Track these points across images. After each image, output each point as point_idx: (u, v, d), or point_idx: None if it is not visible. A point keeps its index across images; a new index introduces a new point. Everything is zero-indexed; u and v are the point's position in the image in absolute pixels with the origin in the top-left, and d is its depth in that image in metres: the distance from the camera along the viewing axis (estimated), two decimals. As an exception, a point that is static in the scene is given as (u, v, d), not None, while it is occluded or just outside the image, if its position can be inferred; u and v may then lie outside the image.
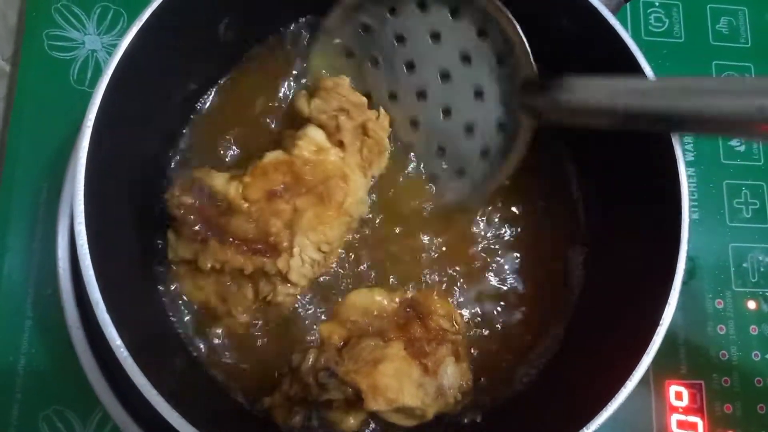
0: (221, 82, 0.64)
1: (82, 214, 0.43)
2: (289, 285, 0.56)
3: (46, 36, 0.70)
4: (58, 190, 0.59)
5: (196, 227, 0.55)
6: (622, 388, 0.45)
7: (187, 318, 0.59)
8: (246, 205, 0.54)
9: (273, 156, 0.56)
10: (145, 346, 0.47)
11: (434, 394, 0.54)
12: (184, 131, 0.62)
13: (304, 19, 0.64)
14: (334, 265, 0.60)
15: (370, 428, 0.58)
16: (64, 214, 0.59)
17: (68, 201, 0.58)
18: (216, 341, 0.58)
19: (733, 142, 0.75)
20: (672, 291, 0.47)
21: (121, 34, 0.66)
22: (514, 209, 0.63)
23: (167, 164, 0.62)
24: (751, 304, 0.71)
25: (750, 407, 0.68)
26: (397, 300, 0.58)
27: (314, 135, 0.57)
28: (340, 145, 0.58)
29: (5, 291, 0.64)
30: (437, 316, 0.57)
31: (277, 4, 0.62)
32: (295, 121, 0.60)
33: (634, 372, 0.45)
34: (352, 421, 0.54)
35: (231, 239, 0.54)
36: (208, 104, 0.63)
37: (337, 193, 0.56)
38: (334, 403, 0.52)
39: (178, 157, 0.62)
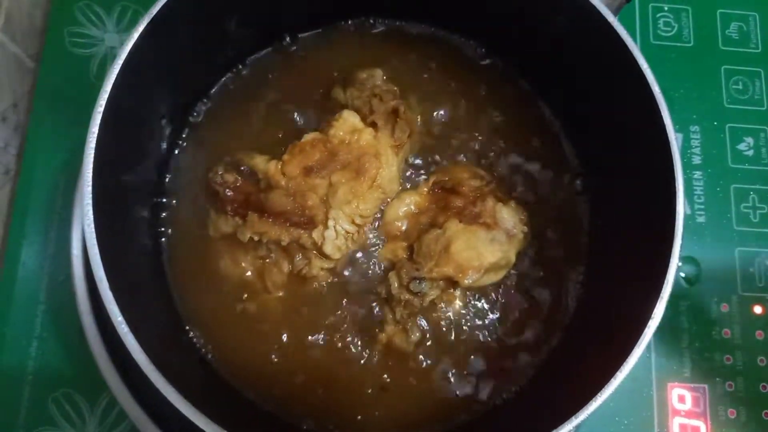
0: (227, 80, 0.66)
1: (90, 195, 0.45)
2: (323, 259, 0.59)
3: (67, 33, 0.73)
4: (75, 181, 0.62)
5: (236, 204, 0.59)
6: (612, 379, 0.45)
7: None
8: (284, 180, 0.58)
9: (311, 136, 0.60)
10: (147, 327, 0.48)
11: (506, 239, 0.59)
12: (192, 119, 0.64)
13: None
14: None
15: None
16: (79, 204, 0.60)
17: (82, 191, 0.60)
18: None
19: (741, 146, 0.75)
20: (665, 285, 0.47)
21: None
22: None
23: (176, 149, 0.64)
24: (758, 309, 0.70)
25: (754, 413, 0.67)
26: (425, 190, 0.62)
27: (349, 117, 0.61)
28: (374, 126, 0.61)
29: (21, 277, 0.66)
30: (465, 181, 0.61)
31: (280, 9, 0.64)
32: (330, 112, 0.63)
33: (624, 364, 0.45)
34: (458, 303, 0.61)
35: (269, 213, 0.58)
36: (214, 100, 0.65)
37: (371, 168, 0.59)
38: (435, 300, 0.59)
39: (183, 144, 0.64)
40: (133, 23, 0.72)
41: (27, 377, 0.64)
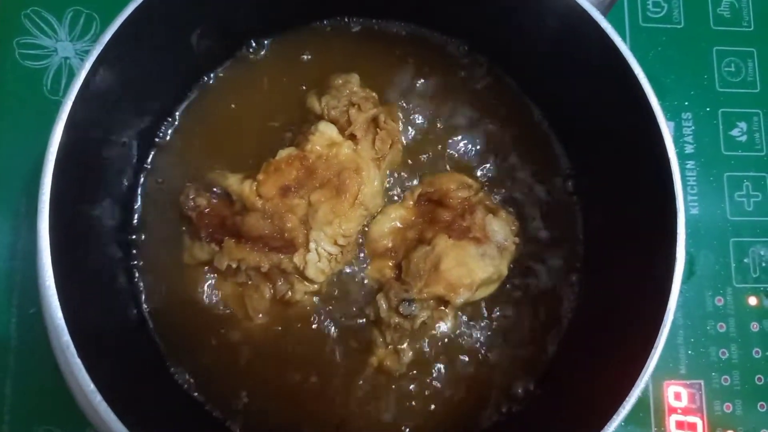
0: (193, 94, 0.62)
1: (48, 253, 0.42)
2: (306, 282, 0.56)
3: (17, 44, 0.67)
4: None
5: (211, 229, 0.55)
6: (633, 389, 0.45)
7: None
8: (260, 202, 0.55)
9: (286, 152, 0.56)
10: (125, 379, 0.46)
11: (497, 253, 0.57)
12: (158, 140, 0.61)
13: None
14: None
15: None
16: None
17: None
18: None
19: (734, 132, 0.72)
20: (671, 291, 0.46)
21: (94, 39, 0.64)
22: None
23: (142, 174, 0.60)
24: (752, 300, 0.69)
25: (750, 405, 0.67)
26: (410, 203, 0.59)
27: (326, 129, 0.57)
28: (353, 138, 0.58)
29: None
30: (452, 192, 0.58)
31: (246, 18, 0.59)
32: (305, 123, 0.60)
33: (642, 374, 0.45)
34: (449, 322, 0.58)
35: (246, 238, 0.54)
36: (181, 119, 0.61)
37: (352, 185, 0.56)
38: (426, 320, 0.56)
39: (150, 168, 0.60)
40: (87, 30, 0.68)
41: (3, 416, 0.61)
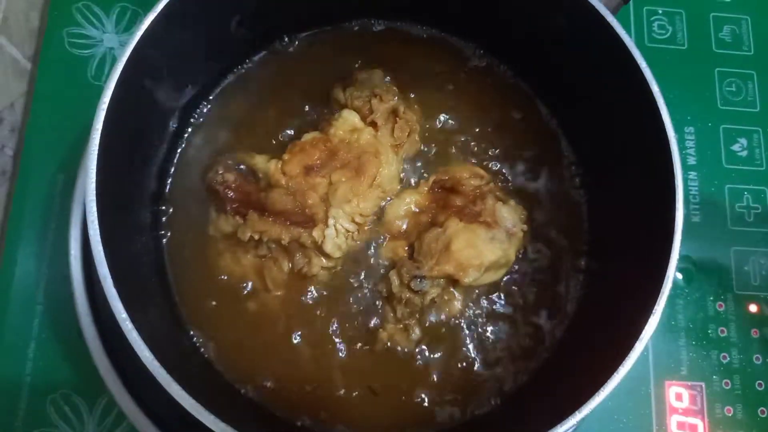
0: (228, 80, 0.66)
1: (94, 185, 0.45)
2: (323, 257, 0.59)
3: (66, 34, 0.73)
4: (73, 182, 0.62)
5: (236, 203, 0.59)
6: (614, 374, 0.45)
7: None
8: (284, 179, 0.58)
9: (310, 135, 0.60)
10: (149, 326, 0.48)
11: (505, 238, 0.59)
12: (193, 120, 0.65)
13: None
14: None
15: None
16: (78, 204, 0.60)
17: (82, 192, 0.60)
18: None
19: (735, 147, 0.76)
20: (660, 295, 0.47)
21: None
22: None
23: (178, 149, 0.64)
24: (753, 307, 0.71)
25: (751, 410, 0.68)
26: (425, 189, 0.62)
27: (349, 116, 0.61)
28: (373, 125, 0.62)
29: (18, 278, 0.66)
30: (465, 180, 0.62)
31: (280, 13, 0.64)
32: (330, 111, 0.64)
33: (625, 359, 0.46)
34: (457, 303, 0.61)
35: (269, 212, 0.58)
36: (215, 102, 0.66)
37: (371, 167, 0.59)
38: (435, 298, 0.59)
39: (184, 145, 0.64)
40: (132, 24, 0.73)
41: (25, 379, 0.63)
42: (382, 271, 0.61)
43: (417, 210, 0.62)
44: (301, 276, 0.60)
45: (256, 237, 0.58)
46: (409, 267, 0.58)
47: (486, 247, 0.58)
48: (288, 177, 0.59)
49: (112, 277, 0.44)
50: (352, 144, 0.60)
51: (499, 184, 0.64)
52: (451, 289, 0.61)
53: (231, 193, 0.59)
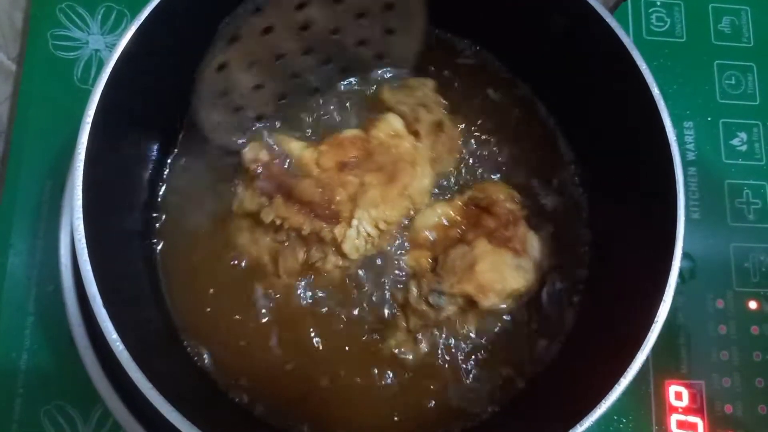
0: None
1: (80, 209, 0.44)
2: (338, 256, 0.58)
3: (50, 36, 0.71)
4: (61, 187, 0.60)
5: (264, 184, 0.58)
6: (616, 386, 0.45)
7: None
8: (317, 171, 0.57)
9: (351, 132, 0.59)
10: (141, 338, 0.48)
11: (532, 268, 0.58)
12: (182, 128, 0.63)
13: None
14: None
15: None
16: (67, 212, 0.59)
17: (71, 198, 0.58)
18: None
19: (735, 142, 0.75)
20: (667, 288, 0.47)
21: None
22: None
23: (167, 158, 0.63)
24: (753, 304, 0.70)
25: (751, 408, 0.68)
26: (459, 204, 0.60)
27: (393, 120, 0.60)
28: (416, 134, 0.60)
29: (8, 288, 0.64)
30: (501, 202, 0.59)
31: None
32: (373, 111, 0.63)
33: (627, 370, 0.45)
34: (472, 325, 0.59)
35: (295, 200, 0.57)
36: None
37: (404, 175, 0.58)
38: (451, 316, 0.57)
39: (176, 151, 0.63)
40: (119, 25, 0.71)
41: (17, 390, 0.62)
42: (395, 280, 0.60)
43: (447, 224, 0.60)
44: (313, 269, 0.59)
45: (278, 222, 0.57)
46: (430, 279, 0.57)
47: (511, 273, 0.57)
48: (321, 169, 0.58)
49: (101, 296, 0.43)
50: (391, 149, 0.59)
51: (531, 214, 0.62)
52: (468, 311, 0.59)
53: (261, 172, 0.58)
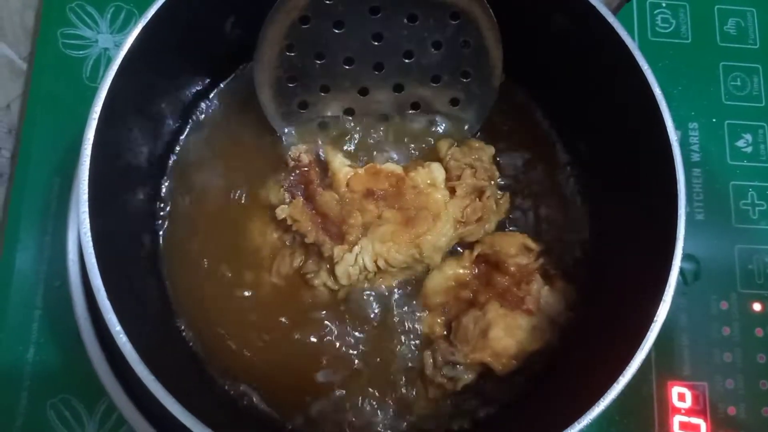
0: (224, 85, 0.65)
1: (86, 203, 0.45)
2: (330, 277, 0.58)
3: (60, 35, 0.72)
4: (70, 184, 0.61)
5: (294, 183, 0.59)
6: (615, 384, 0.45)
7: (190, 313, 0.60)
8: (344, 189, 0.58)
9: (391, 166, 0.60)
10: (142, 328, 0.48)
11: (547, 325, 0.56)
12: (188, 127, 0.64)
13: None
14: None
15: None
16: (75, 208, 0.60)
17: (78, 196, 0.59)
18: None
19: (740, 143, 0.75)
20: (667, 288, 0.47)
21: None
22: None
23: (171, 156, 0.63)
24: (757, 306, 0.70)
25: (754, 410, 0.67)
26: (467, 263, 0.59)
27: (436, 170, 0.60)
28: (451, 191, 0.60)
29: (16, 282, 0.65)
30: (511, 258, 0.58)
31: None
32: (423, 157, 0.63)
33: (626, 369, 0.45)
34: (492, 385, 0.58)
35: (313, 208, 0.58)
36: (214, 104, 0.65)
37: (422, 224, 0.58)
38: (470, 384, 0.56)
39: (178, 149, 0.64)
40: (128, 24, 0.72)
41: (24, 383, 0.63)
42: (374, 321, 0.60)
43: (457, 285, 0.60)
44: (303, 279, 0.59)
45: (289, 222, 0.58)
46: (444, 351, 0.56)
47: (525, 337, 0.56)
48: (348, 189, 0.58)
49: (106, 290, 0.44)
50: (421, 195, 0.59)
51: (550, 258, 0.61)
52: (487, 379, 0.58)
53: (296, 171, 0.60)
